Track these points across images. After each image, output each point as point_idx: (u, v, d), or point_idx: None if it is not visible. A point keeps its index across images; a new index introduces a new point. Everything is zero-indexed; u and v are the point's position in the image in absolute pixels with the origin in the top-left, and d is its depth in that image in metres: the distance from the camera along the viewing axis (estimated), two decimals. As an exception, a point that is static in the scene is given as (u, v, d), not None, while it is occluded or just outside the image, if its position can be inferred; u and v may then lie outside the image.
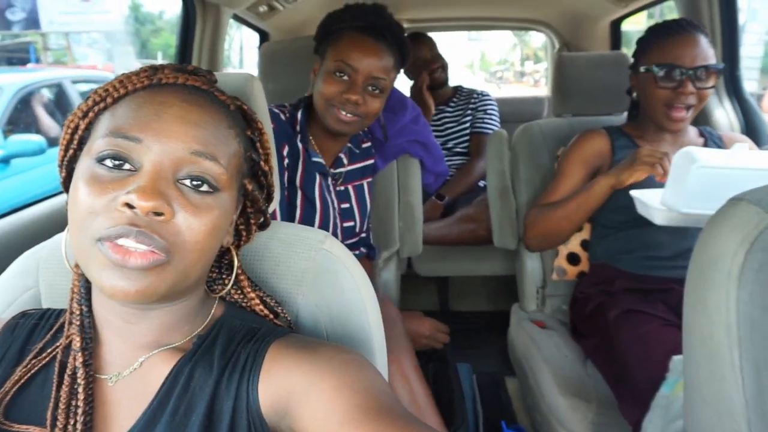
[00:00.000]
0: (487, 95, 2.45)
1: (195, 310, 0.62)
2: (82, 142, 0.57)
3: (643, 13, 2.43)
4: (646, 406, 0.96)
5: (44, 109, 3.87)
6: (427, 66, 2.38)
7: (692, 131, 1.41)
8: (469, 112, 2.40)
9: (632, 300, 1.25)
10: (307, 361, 0.55)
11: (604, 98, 1.63)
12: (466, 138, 2.39)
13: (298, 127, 1.27)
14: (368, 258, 1.49)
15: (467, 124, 2.39)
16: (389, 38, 1.19)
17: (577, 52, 2.40)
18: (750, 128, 1.74)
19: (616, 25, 2.55)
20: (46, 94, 4.06)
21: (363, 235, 1.42)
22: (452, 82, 2.52)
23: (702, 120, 1.78)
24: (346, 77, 1.18)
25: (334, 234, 1.32)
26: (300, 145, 1.27)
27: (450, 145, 2.39)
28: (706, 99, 1.27)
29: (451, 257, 2.12)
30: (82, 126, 0.57)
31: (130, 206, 0.50)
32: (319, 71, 1.24)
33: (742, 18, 1.82)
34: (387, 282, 1.62)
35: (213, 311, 0.65)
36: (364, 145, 1.42)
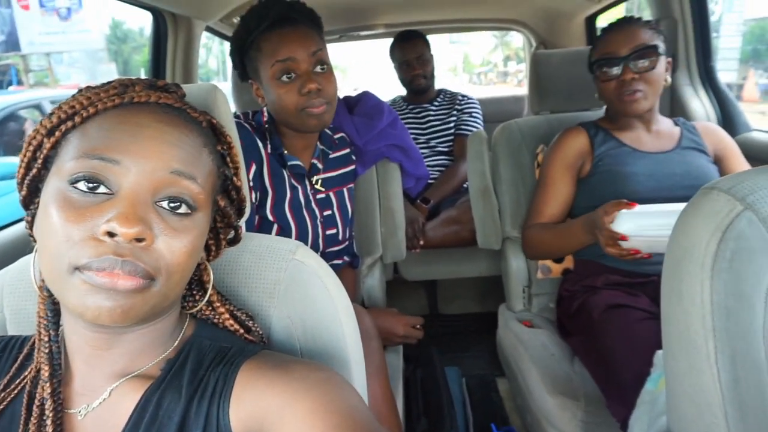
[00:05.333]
0: (472, 99, 2.47)
1: (169, 330, 0.61)
2: (47, 161, 0.55)
3: (620, 9, 2.44)
4: (632, 403, 0.95)
5: (23, 131, 3.84)
6: (408, 70, 2.41)
7: (666, 122, 1.41)
8: (454, 112, 2.41)
9: (616, 295, 1.24)
10: (280, 382, 0.54)
11: (581, 94, 1.63)
12: (450, 138, 2.39)
13: (268, 141, 1.25)
14: (351, 266, 1.47)
15: (451, 125, 2.40)
16: (298, 18, 1.18)
17: (552, 50, 2.41)
18: (725, 118, 1.75)
19: (591, 21, 2.56)
20: (25, 115, 4.02)
21: (347, 242, 1.41)
22: (436, 85, 2.53)
23: (679, 110, 1.79)
24: (292, 74, 1.16)
25: (316, 243, 1.30)
26: (265, 154, 1.23)
27: (433, 143, 2.39)
28: (656, 83, 1.28)
29: (436, 260, 2.11)
30: (48, 145, 0.54)
31: (110, 234, 0.49)
32: (264, 88, 1.21)
33: (718, 10, 1.83)
34: (372, 288, 1.60)
35: (183, 331, 0.63)
36: (342, 152, 1.41)
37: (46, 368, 0.56)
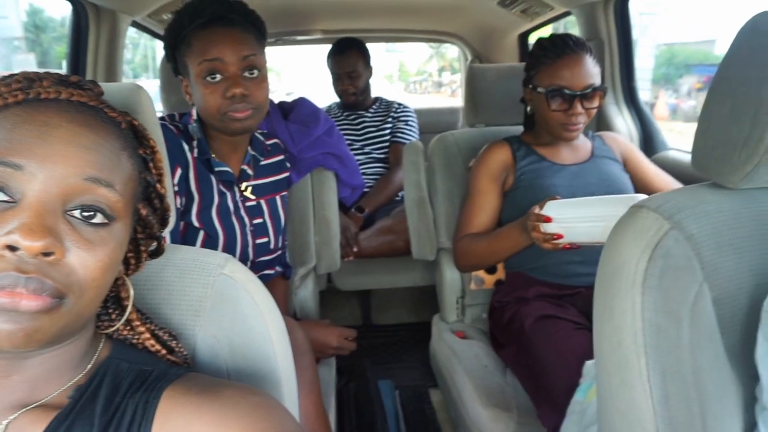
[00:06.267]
0: (408, 107, 2.48)
1: (81, 353, 0.54)
2: None
3: (549, 28, 2.54)
4: (563, 412, 0.97)
5: None
6: (338, 84, 2.39)
7: (581, 136, 1.49)
8: (389, 120, 2.41)
9: (545, 306, 1.27)
10: (209, 409, 0.49)
11: (514, 108, 1.67)
12: (386, 145, 2.39)
13: (194, 142, 1.19)
14: (283, 277, 1.42)
15: (387, 131, 2.39)
16: (236, 19, 1.14)
17: (487, 64, 2.46)
18: (646, 136, 1.85)
19: (523, 38, 2.65)
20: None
21: (279, 252, 1.36)
22: (372, 93, 2.52)
23: (604, 128, 1.87)
24: (218, 76, 1.11)
25: (245, 252, 1.25)
26: (191, 158, 1.18)
27: (368, 149, 2.38)
28: (592, 115, 1.35)
29: (371, 270, 2.09)
30: None
31: (12, 248, 0.43)
32: (191, 86, 1.16)
33: (635, 33, 1.94)
34: (304, 300, 1.56)
35: (98, 353, 0.57)
36: (275, 159, 1.36)
37: None
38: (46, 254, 0.44)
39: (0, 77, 0.51)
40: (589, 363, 0.96)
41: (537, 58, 1.36)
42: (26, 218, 0.44)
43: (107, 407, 0.51)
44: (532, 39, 2.65)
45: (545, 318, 1.23)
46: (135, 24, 1.94)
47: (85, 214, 0.48)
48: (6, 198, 0.45)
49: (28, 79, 0.51)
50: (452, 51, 3.44)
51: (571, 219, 1.11)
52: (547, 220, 1.13)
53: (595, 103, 1.32)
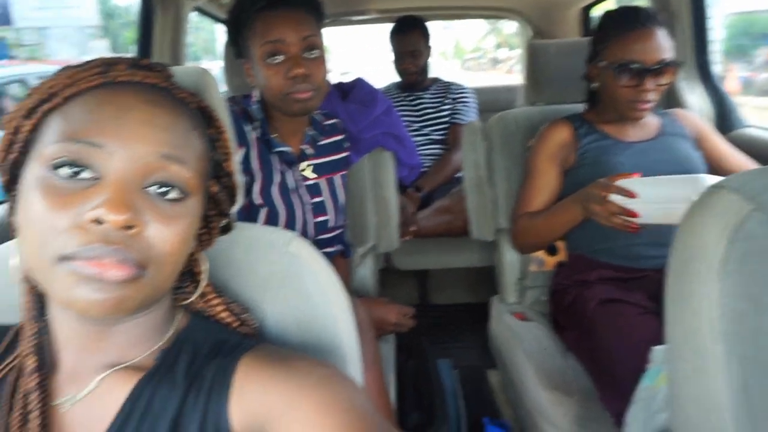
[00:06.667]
0: (466, 88, 2.45)
1: (161, 321, 0.59)
2: (26, 145, 0.52)
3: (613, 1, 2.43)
4: (627, 397, 0.95)
5: (6, 107, 3.76)
6: (400, 62, 2.39)
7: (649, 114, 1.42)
8: (448, 101, 2.39)
9: (609, 289, 1.24)
10: (283, 377, 0.52)
11: (576, 85, 1.61)
12: (444, 126, 2.38)
13: (256, 123, 1.23)
14: (342, 256, 1.45)
15: (446, 113, 2.38)
16: (295, 1, 1.16)
17: (547, 40, 2.38)
18: (720, 113, 1.74)
19: (586, 11, 2.54)
20: (9, 91, 3.92)
21: (339, 231, 1.39)
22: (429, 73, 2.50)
23: (675, 105, 1.77)
24: (281, 56, 1.14)
25: (305, 229, 1.28)
26: (252, 138, 1.22)
27: (426, 131, 2.38)
28: (663, 92, 1.28)
29: (428, 250, 2.10)
30: (27, 127, 0.51)
31: (98, 222, 0.46)
32: (254, 69, 1.20)
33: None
34: (364, 278, 1.59)
35: (177, 322, 0.61)
36: (334, 139, 1.38)
37: (33, 360, 0.53)
38: (129, 228, 0.47)
39: (79, 63, 0.55)
40: (657, 348, 0.93)
41: (606, 31, 1.30)
42: (110, 194, 0.47)
43: (188, 371, 0.55)
44: (595, 13, 2.54)
45: (610, 302, 1.20)
46: (197, 9, 1.99)
47: (162, 190, 0.51)
48: (91, 175, 0.48)
49: (105, 64, 0.54)
50: (509, 27, 3.34)
51: (650, 199, 1.06)
52: (631, 195, 1.08)
53: (667, 79, 1.25)
